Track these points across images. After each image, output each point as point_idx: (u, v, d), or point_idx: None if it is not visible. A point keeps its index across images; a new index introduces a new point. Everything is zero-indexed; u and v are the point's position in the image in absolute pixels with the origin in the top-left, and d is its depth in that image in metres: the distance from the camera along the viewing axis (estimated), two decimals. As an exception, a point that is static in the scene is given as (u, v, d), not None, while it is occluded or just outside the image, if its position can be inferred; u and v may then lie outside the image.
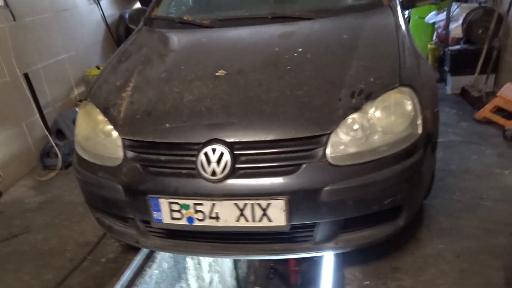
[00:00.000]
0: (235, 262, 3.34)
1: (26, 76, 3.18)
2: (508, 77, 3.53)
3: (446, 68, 4.02)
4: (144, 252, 2.16)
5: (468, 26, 3.79)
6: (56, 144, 3.21)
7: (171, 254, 2.28)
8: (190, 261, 2.52)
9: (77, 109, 3.54)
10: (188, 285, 2.50)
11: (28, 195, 2.94)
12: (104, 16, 4.55)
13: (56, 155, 3.19)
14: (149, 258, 2.15)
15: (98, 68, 4.13)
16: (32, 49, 3.43)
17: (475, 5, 4.02)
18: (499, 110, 3.25)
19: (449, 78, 4.00)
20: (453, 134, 3.16)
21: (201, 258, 2.61)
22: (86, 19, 4.27)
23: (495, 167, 2.66)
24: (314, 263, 3.33)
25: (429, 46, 4.47)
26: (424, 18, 4.69)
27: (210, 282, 2.83)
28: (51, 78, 3.64)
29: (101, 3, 4.51)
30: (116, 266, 2.14)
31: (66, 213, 2.66)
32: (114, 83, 2.05)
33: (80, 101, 3.86)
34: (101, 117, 1.89)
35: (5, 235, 2.50)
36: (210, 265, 2.86)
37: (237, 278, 3.40)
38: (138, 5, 5.27)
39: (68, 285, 2.06)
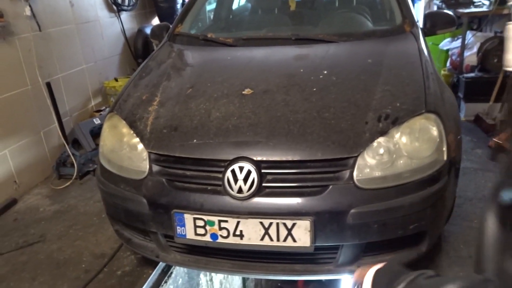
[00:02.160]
0: (244, 280, 3.31)
1: (48, 85, 3.23)
2: (523, 106, 3.55)
3: (460, 95, 4.05)
4: (160, 266, 2.15)
5: (484, 54, 3.83)
6: (73, 154, 3.23)
7: (185, 270, 2.26)
8: (203, 278, 2.51)
9: (94, 120, 3.59)
10: (200, 301, 2.48)
11: (43, 203, 2.95)
12: (123, 29, 4.63)
13: (72, 165, 3.21)
14: (165, 273, 2.14)
15: (116, 80, 4.19)
16: (54, 59, 3.49)
17: (490, 34, 4.07)
18: (514, 139, 3.26)
19: (462, 104, 4.02)
20: (468, 161, 3.16)
21: (213, 275, 2.60)
22: (106, 31, 4.35)
23: (511, 196, 2.65)
24: (322, 284, 3.30)
25: (443, 72, 4.51)
26: (438, 44, 4.74)
27: (220, 300, 2.81)
28: (70, 88, 3.69)
29: (121, 16, 4.60)
30: (132, 280, 2.13)
31: (81, 224, 2.66)
32: (140, 97, 2.07)
33: (97, 112, 3.91)
34: (127, 130, 1.91)
35: (20, 243, 2.50)
36: (221, 282, 2.84)
37: (245, 297, 3.37)
38: (156, 20, 5.37)
39: (84, 296, 2.05)
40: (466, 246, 2.20)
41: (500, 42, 3.78)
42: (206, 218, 1.64)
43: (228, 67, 2.23)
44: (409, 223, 1.64)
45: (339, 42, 2.34)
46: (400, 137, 1.68)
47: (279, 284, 3.68)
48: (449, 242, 2.22)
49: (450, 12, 2.67)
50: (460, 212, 2.48)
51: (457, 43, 4.38)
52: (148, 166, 1.78)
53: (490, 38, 3.87)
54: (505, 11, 3.97)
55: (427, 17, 2.60)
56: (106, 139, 2.01)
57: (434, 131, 1.72)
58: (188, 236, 1.69)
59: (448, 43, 4.61)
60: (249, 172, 1.60)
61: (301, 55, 2.25)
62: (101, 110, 3.94)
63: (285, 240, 1.60)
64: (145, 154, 1.80)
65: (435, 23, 2.55)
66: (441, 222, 1.85)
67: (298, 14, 2.98)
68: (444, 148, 1.73)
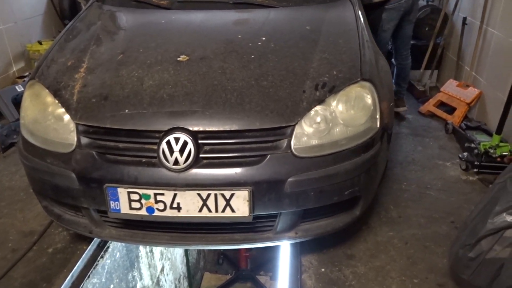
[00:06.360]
0: (186, 249, 3.31)
1: (-42, 48, 2.88)
2: (450, 73, 3.76)
3: (394, 62, 4.18)
4: (95, 241, 2.07)
5: (416, 23, 3.95)
6: (-7, 125, 2.96)
7: (123, 243, 2.20)
8: (142, 250, 2.47)
9: (16, 87, 3.29)
10: (140, 273, 2.44)
11: (-40, 179, 2.69)
12: (46, -14, 4.21)
13: (-7, 137, 2.94)
14: (101, 248, 2.06)
15: (40, 43, 3.84)
16: (-36, 18, 3.10)
17: (423, 3, 4.20)
18: (441, 105, 3.46)
19: (395, 71, 4.17)
20: (400, 126, 3.32)
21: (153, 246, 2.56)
22: (26, -12, 3.93)
23: (437, 159, 2.84)
24: (263, 248, 3.40)
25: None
26: (375, 11, 4.83)
27: (162, 270, 2.80)
28: (-14, 52, 3.33)
29: (43, -28, 4.17)
30: (65, 257, 2.03)
31: (6, 200, 2.47)
32: (65, 63, 1.91)
33: (20, 78, 3.58)
34: (51, 99, 1.77)
35: None
36: (161, 253, 2.81)
37: (188, 265, 3.39)
38: (84, -23, 4.93)
39: (12, 277, 1.92)
40: (396, 207, 2.34)
41: (431, 11, 3.93)
42: (141, 191, 1.58)
43: (162, 32, 2.11)
44: (344, 189, 1.69)
45: (278, 7, 2.28)
46: (337, 105, 1.69)
47: (221, 251, 3.74)
48: (380, 203, 2.35)
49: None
50: (391, 175, 2.62)
51: (392, 11, 4.48)
52: (76, 138, 1.66)
53: (422, 7, 4.00)
54: (437, -19, 4.11)
55: (365, -16, 2.60)
56: (28, 109, 1.84)
57: (369, 99, 1.75)
58: (122, 211, 1.62)
59: (384, 11, 4.70)
60: (185, 143, 1.55)
61: (239, 20, 2.17)
62: (24, 76, 3.61)
63: (223, 210, 1.58)
64: (72, 126, 1.67)
65: (372, -9, 2.57)
66: (374, 186, 1.94)
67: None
68: (378, 116, 1.78)
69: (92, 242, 2.07)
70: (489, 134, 2.83)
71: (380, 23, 3.08)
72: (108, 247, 2.09)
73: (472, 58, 3.33)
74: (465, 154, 2.69)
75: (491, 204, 1.56)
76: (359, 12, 2.27)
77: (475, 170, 2.62)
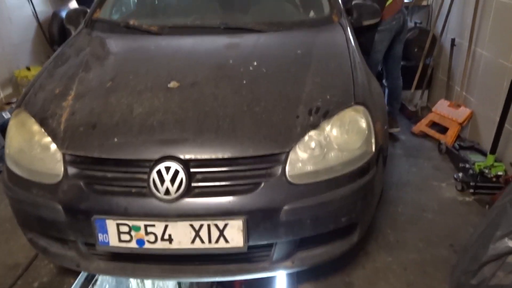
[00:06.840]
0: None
1: None
2: (440, 93, 3.78)
3: (385, 83, 4.21)
4: (83, 274, 1.99)
5: (405, 44, 3.99)
6: (-22, 153, 2.87)
7: (113, 275, 2.12)
8: (133, 281, 2.37)
9: (3, 114, 3.22)
10: (131, 306, 2.34)
11: None
12: (35, 12, 4.19)
13: (-22, 165, 2.85)
14: (89, 281, 1.97)
15: (28, 69, 3.80)
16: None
17: (411, 25, 4.26)
18: (434, 125, 3.46)
19: (387, 92, 4.19)
20: (393, 147, 3.31)
21: (145, 276, 2.47)
22: (15, 14, 3.90)
23: (432, 180, 2.81)
24: (258, 281, 3.31)
25: (368, 60, 4.66)
26: (364, 33, 4.88)
27: (153, 300, 2.70)
28: (-27, 78, 3.28)
29: (32, -2, 4.16)
30: (51, 292, 1.94)
31: (-10, 232, 2.38)
32: (52, 91, 1.87)
33: (8, 104, 3.52)
34: (37, 127, 1.71)
35: None
36: (153, 283, 2.72)
37: (180, 293, 3.28)
38: (74, 3, 4.94)
39: (-6, 315, 1.83)
40: (393, 230, 2.29)
41: (420, 33, 3.98)
42: (130, 223, 1.52)
43: (152, 58, 2.08)
44: (340, 216, 1.65)
45: (269, 32, 2.28)
46: (331, 130, 1.66)
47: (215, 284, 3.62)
48: (377, 227, 2.30)
49: (374, 4, 2.72)
50: (386, 197, 2.58)
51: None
52: (63, 169, 1.60)
53: (411, 29, 4.05)
54: (424, 3, 4.18)
55: (354, 7, 2.61)
56: (13, 138, 1.78)
57: (363, 123, 1.73)
58: (111, 244, 1.55)
59: (373, 33, 4.76)
60: (176, 172, 1.50)
61: (230, 45, 2.16)
62: (12, 103, 3.55)
63: (217, 241, 1.52)
64: (59, 155, 1.62)
65: (361, 14, 2.58)
66: (371, 211, 1.89)
67: (228, 1, 2.86)
68: (373, 140, 1.75)
69: (80, 275, 1.98)
70: (483, 153, 2.83)
71: (372, 45, 3.11)
72: (96, 280, 2.00)
73: (462, 78, 3.36)
74: (460, 174, 2.66)
75: (492, 228, 1.52)
76: (350, 35, 2.27)
77: (471, 190, 2.59)
